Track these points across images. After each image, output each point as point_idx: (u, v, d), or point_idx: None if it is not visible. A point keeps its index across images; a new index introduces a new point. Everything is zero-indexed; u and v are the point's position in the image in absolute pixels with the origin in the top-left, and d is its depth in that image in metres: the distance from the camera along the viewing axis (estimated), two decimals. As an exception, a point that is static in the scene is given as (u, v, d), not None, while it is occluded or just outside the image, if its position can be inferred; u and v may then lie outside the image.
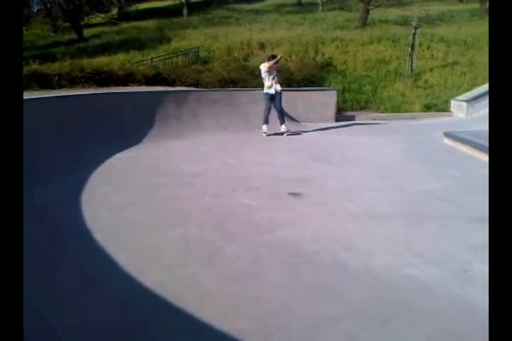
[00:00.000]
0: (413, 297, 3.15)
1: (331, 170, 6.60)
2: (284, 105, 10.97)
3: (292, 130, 9.61)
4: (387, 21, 23.97)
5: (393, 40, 19.30)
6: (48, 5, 26.01)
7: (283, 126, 9.41)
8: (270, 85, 9.37)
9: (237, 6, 31.64)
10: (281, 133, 9.44)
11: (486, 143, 7.56)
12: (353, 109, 13.47)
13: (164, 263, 3.53)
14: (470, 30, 21.55)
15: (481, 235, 4.21)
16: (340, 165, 6.91)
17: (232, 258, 3.65)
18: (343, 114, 12.68)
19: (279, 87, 9.44)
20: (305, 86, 13.53)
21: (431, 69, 16.51)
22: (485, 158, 7.20)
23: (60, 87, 10.38)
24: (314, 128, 10.56)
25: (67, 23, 24.94)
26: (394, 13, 24.79)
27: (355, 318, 2.87)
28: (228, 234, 4.16)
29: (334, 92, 12.03)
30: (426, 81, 15.57)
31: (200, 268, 3.47)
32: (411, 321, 2.86)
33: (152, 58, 15.65)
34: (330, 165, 6.94)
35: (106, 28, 25.66)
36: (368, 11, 23.42)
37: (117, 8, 28.43)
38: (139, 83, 11.81)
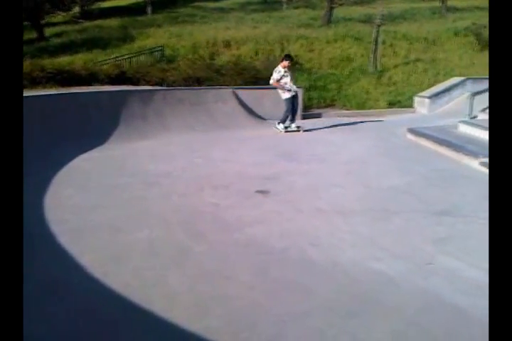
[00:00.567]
0: (379, 290, 3.21)
1: (298, 168, 6.64)
2: (250, 103, 11.03)
3: (299, 128, 9.86)
4: (350, 19, 24.30)
5: (357, 38, 19.58)
6: (7, 3, 25.16)
7: (294, 124, 9.75)
8: (289, 89, 9.49)
9: (202, 4, 31.46)
10: (297, 130, 9.78)
11: (448, 138, 7.78)
12: (319, 107, 13.59)
13: (131, 265, 3.48)
14: (431, 27, 22.08)
15: (443, 228, 4.34)
16: (308, 163, 6.96)
17: (200, 258, 3.63)
18: (309, 111, 12.79)
19: (295, 87, 9.62)
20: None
21: (394, 67, 16.83)
22: (446, 152, 7.40)
23: (20, 87, 10.08)
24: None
25: (27, 22, 24.26)
26: (357, 11, 25.17)
27: (323, 313, 2.90)
28: (196, 233, 4.14)
29: (300, 90, 12.09)
30: (390, 78, 15.87)
31: (168, 268, 3.44)
32: (377, 314, 2.91)
33: (116, 57, 15.41)
34: (297, 162, 6.99)
35: (68, 27, 25.08)
36: (331, 9, 23.67)
37: (79, 6, 27.84)
38: (103, 83, 11.60)
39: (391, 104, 13.79)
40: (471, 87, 13.43)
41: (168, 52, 17.84)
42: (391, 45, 19.00)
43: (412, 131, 8.88)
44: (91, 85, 11.13)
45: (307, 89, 13.93)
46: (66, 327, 2.70)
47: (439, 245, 3.94)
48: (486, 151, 6.74)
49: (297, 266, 3.55)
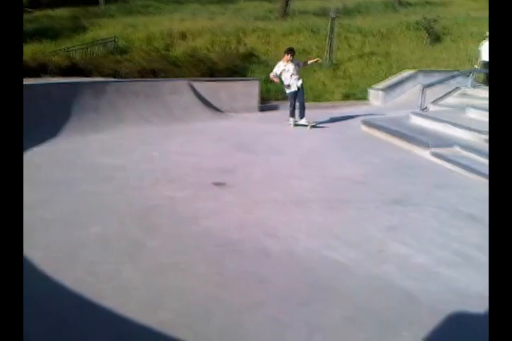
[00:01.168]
0: (333, 278, 3.27)
1: (255, 159, 6.65)
2: (207, 95, 10.93)
3: (311, 123, 9.31)
4: (306, 12, 24.40)
5: (313, 31, 19.70)
6: None
7: (304, 119, 9.23)
8: (288, 84, 9.22)
9: (156, -5, 30.82)
10: (305, 125, 9.26)
11: (400, 129, 7.97)
12: (276, 99, 13.62)
13: (83, 261, 3.40)
14: (384, 21, 22.48)
15: (394, 216, 4.46)
16: (264, 154, 6.98)
17: (154, 252, 3.58)
18: (266, 103, 12.80)
19: (300, 83, 9.24)
20: (228, 76, 13.50)
21: (349, 59, 17.06)
22: (399, 143, 7.59)
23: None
24: (239, 118, 10.58)
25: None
26: (313, 3, 25.31)
27: (278, 302, 2.92)
28: (151, 227, 4.08)
29: (257, 82, 12.10)
30: (345, 71, 16.07)
31: (121, 263, 3.37)
32: (331, 301, 2.96)
33: (67, 48, 14.89)
34: (254, 154, 7.00)
35: (15, 16, 24.00)
36: (288, 2, 23.70)
37: (27, -6, 26.74)
38: (53, 74, 11.21)
39: (346, 97, 13.99)
40: (422, 79, 13.78)
41: (121, 43, 17.39)
42: (346, 38, 19.23)
43: (366, 122, 9.05)
44: (40, 77, 10.73)
45: (265, 82, 13.95)
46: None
47: (390, 233, 4.05)
48: (436, 142, 6.96)
49: (253, 257, 3.57)
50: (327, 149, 7.44)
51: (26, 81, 9.16)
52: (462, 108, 8.92)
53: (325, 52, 16.63)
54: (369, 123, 8.93)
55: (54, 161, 6.23)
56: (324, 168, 6.23)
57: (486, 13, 18.31)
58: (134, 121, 8.88)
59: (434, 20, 20.04)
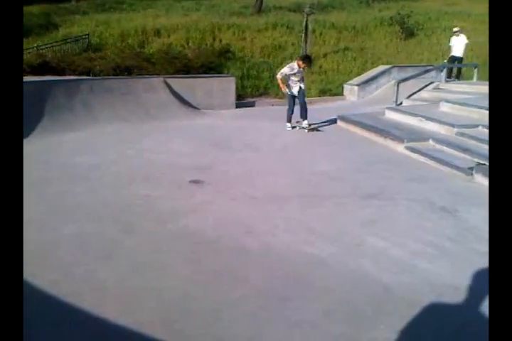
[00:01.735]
0: (311, 273, 3.29)
1: (231, 156, 6.64)
2: (182, 93, 10.85)
3: (311, 126, 8.76)
4: (281, 8, 24.45)
5: (288, 27, 19.76)
6: None
7: (305, 121, 8.59)
8: (291, 86, 8.59)
9: (129, -9, 30.43)
10: (304, 128, 8.67)
11: (375, 124, 8.04)
12: (252, 95, 13.63)
13: (58, 262, 3.34)
14: (359, 16, 22.68)
15: (371, 210, 4.50)
16: (241, 151, 6.97)
17: (131, 251, 3.55)
18: (243, 100, 12.80)
19: (303, 85, 8.64)
20: (204, 73, 13.44)
21: (324, 55, 17.17)
22: (374, 137, 7.67)
23: None
24: (215, 115, 10.55)
25: None
26: (287, -1, 25.35)
27: (256, 299, 2.93)
28: (127, 226, 4.04)
29: (233, 79, 12.07)
30: (320, 66, 16.17)
31: (98, 263, 3.33)
32: (310, 296, 2.98)
33: (38, 46, 14.61)
34: (231, 151, 6.98)
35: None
36: (262, -3, 23.68)
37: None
38: (25, 73, 10.99)
39: (322, 92, 14.08)
40: (396, 74, 13.97)
41: (94, 40, 17.18)
42: (321, 34, 19.35)
43: (341, 118, 9.12)
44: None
45: (240, 78, 13.93)
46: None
47: (367, 227, 4.09)
48: (411, 136, 7.06)
49: (231, 254, 3.56)
50: (303, 145, 7.47)
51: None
52: (436, 102, 9.06)
53: (300, 48, 16.69)
54: (345, 119, 9.01)
55: (27, 161, 6.07)
56: (301, 164, 6.26)
57: (459, 8, 18.67)
58: (108, 119, 8.78)
59: (408, 16, 20.30)
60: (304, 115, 8.54)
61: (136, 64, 13.00)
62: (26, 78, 10.01)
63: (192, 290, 3.01)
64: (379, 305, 2.90)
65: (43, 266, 3.28)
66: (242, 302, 2.87)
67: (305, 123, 8.55)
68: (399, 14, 20.45)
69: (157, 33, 18.37)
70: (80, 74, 11.75)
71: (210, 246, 3.68)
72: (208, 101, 11.23)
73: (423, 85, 12.56)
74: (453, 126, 6.96)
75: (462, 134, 6.68)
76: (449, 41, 13.72)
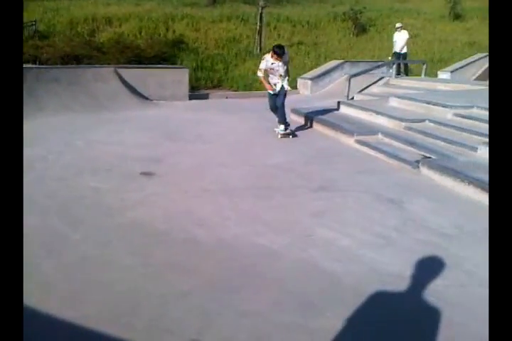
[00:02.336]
0: (261, 264, 3.31)
1: (184, 148, 6.57)
2: (134, 83, 10.60)
3: (288, 131, 7.60)
4: (236, 0, 24.30)
5: (242, 19, 19.69)
6: None
7: (282, 126, 7.51)
8: (274, 83, 7.44)
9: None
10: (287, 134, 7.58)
11: (327, 118, 8.15)
12: (206, 88, 13.52)
13: (-1, 257, 3.21)
14: (313, 11, 22.87)
15: (321, 202, 4.57)
16: (194, 143, 6.91)
17: (77, 245, 3.45)
18: (196, 92, 12.68)
19: (285, 82, 7.45)
20: (157, 63, 13.21)
21: (278, 49, 17.20)
22: (326, 131, 7.78)
23: None
24: (167, 107, 10.39)
25: None
26: (242, -9, 25.22)
27: (206, 290, 2.92)
28: (73, 219, 3.92)
29: (186, 70, 11.92)
30: (274, 60, 16.20)
31: (41, 257, 3.22)
32: (260, 287, 3.00)
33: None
34: (183, 143, 6.91)
35: None
36: (217, -11, 23.47)
37: None
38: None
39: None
40: (349, 69, 14.22)
41: (42, 27, 16.51)
42: (275, 28, 19.40)
43: (294, 111, 9.19)
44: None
45: (194, 70, 13.78)
46: None
47: (317, 218, 4.16)
48: (361, 129, 7.21)
49: (181, 247, 3.53)
50: (256, 137, 7.48)
51: None
52: (385, 97, 9.28)
53: (254, 41, 16.68)
54: (297, 112, 9.08)
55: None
56: (253, 157, 6.27)
57: (410, 5, 19.11)
58: (55, 109, 8.46)
59: (361, 12, 20.66)
60: (281, 118, 7.49)
61: (85, 53, 12.61)
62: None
63: (140, 283, 2.97)
64: (327, 294, 2.96)
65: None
66: (191, 295, 2.86)
67: (281, 128, 7.51)
68: (352, 10, 20.78)
69: (108, 21, 17.86)
70: (25, 63, 11.26)
71: (160, 239, 3.63)
72: (161, 92, 11.05)
73: (374, 80, 12.85)
74: (401, 120, 7.16)
75: (409, 128, 6.88)
76: (393, 37, 14.07)
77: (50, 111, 8.31)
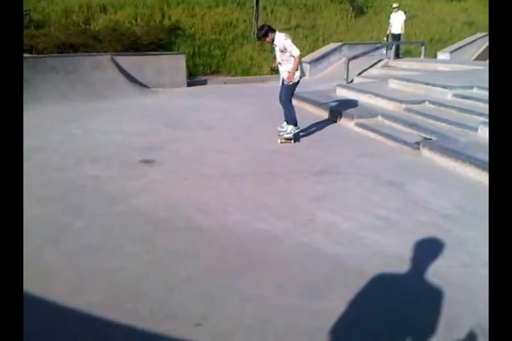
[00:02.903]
0: (264, 248, 3.32)
1: (183, 135, 6.54)
2: (131, 71, 10.50)
3: (290, 135, 6.16)
4: (231, -16, 23.94)
5: (239, 3, 19.39)
6: None
7: (290, 127, 6.16)
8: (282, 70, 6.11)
9: (72, -36, 28.95)
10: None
11: (326, 101, 8.10)
12: (204, 74, 13.42)
13: (2, 247, 3.22)
14: (309, -6, 22.53)
15: (322, 186, 4.57)
16: (193, 130, 6.88)
17: (79, 233, 3.46)
18: (194, 78, 12.59)
19: (284, 73, 6.07)
20: (153, 50, 13.05)
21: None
22: (325, 114, 7.74)
23: None
24: (166, 94, 10.34)
25: None
26: (238, -25, 24.84)
27: (209, 276, 2.93)
28: (75, 208, 3.92)
29: (183, 56, 11.82)
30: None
31: (44, 246, 3.23)
32: (262, 271, 3.01)
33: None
34: (183, 130, 6.88)
35: None
36: (212, -27, 23.10)
37: None
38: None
39: (274, 70, 13.99)
40: (347, 52, 14.09)
41: (36, 17, 16.27)
42: (272, 11, 19.12)
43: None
44: None
45: (191, 56, 13.66)
46: None
47: (318, 202, 4.16)
48: (361, 112, 7.16)
49: (183, 234, 3.53)
50: (256, 123, 7.45)
51: None
52: (385, 79, 9.21)
53: (251, 26, 16.49)
54: (296, 96, 9.00)
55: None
56: (253, 142, 6.25)
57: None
58: (53, 99, 8.42)
59: (358, -7, 20.38)
60: (286, 117, 6.24)
61: (82, 41, 12.45)
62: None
63: (143, 270, 2.98)
64: (329, 276, 2.97)
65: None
66: (195, 280, 2.87)
67: (288, 129, 6.13)
68: (349, -8, 20.52)
69: (103, 9, 17.59)
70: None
71: (162, 226, 3.64)
72: (158, 79, 10.99)
73: (373, 63, 12.75)
74: (401, 102, 7.11)
75: (409, 110, 6.84)
76: (389, 18, 13.90)
77: (48, 100, 8.27)
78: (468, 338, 2.38)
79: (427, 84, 7.72)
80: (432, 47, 15.71)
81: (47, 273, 2.91)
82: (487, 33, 14.73)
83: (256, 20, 16.29)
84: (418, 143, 5.62)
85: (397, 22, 13.27)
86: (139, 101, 9.14)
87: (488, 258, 3.16)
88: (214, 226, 3.67)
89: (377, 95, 7.78)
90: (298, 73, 5.98)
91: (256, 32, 6.49)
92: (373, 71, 12.27)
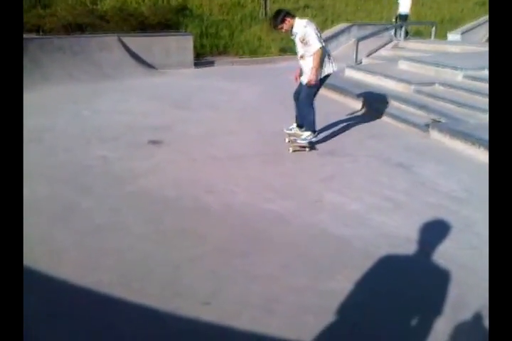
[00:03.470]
0: (271, 229, 3.33)
1: (191, 116, 6.52)
2: (139, 51, 10.40)
3: (305, 142, 5.02)
4: (240, -38, 23.53)
5: (247, -17, 19.10)
6: None
7: (306, 132, 4.97)
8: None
9: None
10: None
11: (335, 82, 8.01)
12: (212, 54, 13.29)
13: (12, 226, 3.25)
14: (319, -27, 22.10)
15: (329, 167, 4.55)
16: (201, 111, 6.85)
17: (88, 213, 3.48)
18: (202, 59, 12.48)
19: (304, 78, 5.04)
20: (161, 31, 12.93)
21: (285, 13, 16.76)
22: (334, 96, 7.66)
23: None
24: (173, 75, 10.27)
25: None
26: (246, -46, 24.39)
27: (217, 256, 2.95)
28: (84, 188, 3.95)
29: (191, 37, 11.70)
30: (280, 24, 15.82)
31: (53, 225, 3.26)
32: (269, 251, 3.03)
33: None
34: (190, 110, 6.85)
35: None
36: (220, -49, 22.69)
37: None
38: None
39: (283, 51, 13.86)
40: (356, 32, 13.88)
41: (43, -4, 16.14)
42: (281, -9, 18.83)
43: (302, 76, 9.03)
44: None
45: (199, 36, 13.52)
46: None
47: (326, 183, 4.15)
48: (370, 94, 7.08)
49: (191, 214, 3.55)
50: (264, 104, 7.40)
51: None
52: (394, 60, 9.08)
53: (259, 6, 16.26)
54: (305, 77, 8.92)
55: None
56: (261, 123, 6.22)
57: (417, -36, 18.03)
58: (61, 79, 8.40)
59: (368, -28, 19.96)
60: (302, 121, 5.10)
61: (89, 22, 12.33)
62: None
63: (151, 249, 3.01)
64: (336, 257, 2.98)
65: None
66: (202, 260, 2.89)
67: (306, 134, 4.93)
68: (359, -30, 20.08)
69: (110, -12, 17.41)
70: (28, 32, 11.06)
71: (170, 206, 3.66)
72: (166, 60, 10.90)
73: (382, 43, 12.55)
74: (410, 83, 7.02)
75: (419, 92, 6.75)
76: None
77: (56, 81, 8.25)
78: (474, 320, 2.39)
79: (437, 65, 7.60)
80: (442, 27, 15.41)
81: (56, 251, 2.94)
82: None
83: (264, 0, 16.05)
84: (427, 125, 5.56)
85: (405, 2, 13.00)
86: (147, 82, 9.10)
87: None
88: (221, 206, 3.68)
89: (386, 76, 7.68)
90: (325, 68, 4.87)
91: (270, 19, 5.23)
92: (383, 52, 12.09)
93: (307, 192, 3.97)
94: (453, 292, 2.57)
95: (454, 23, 16.96)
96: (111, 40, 10.20)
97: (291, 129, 5.18)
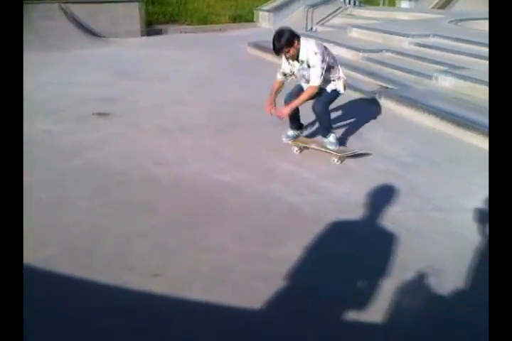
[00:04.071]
0: (222, 199, 3.32)
1: (140, 87, 6.33)
2: (83, 20, 9.92)
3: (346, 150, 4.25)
4: None
5: None
6: None
7: (329, 137, 4.11)
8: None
9: None
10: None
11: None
12: (160, 22, 12.83)
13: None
14: None
15: (280, 136, 4.53)
16: (150, 81, 6.66)
17: (31, 189, 3.33)
18: (150, 27, 12.03)
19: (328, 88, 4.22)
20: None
21: (235, -21, 16.32)
22: (278, 60, 7.59)
23: None
24: (121, 44, 9.89)
25: None
26: None
27: (168, 228, 2.92)
28: (27, 163, 3.71)
29: (138, 4, 11.21)
30: (230, -10, 15.42)
31: (-5, 203, 3.13)
32: (221, 221, 3.03)
33: None
34: (139, 81, 6.65)
35: None
36: None
37: None
38: None
39: (234, 19, 13.55)
40: (308, -1, 13.70)
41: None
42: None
43: (253, 45, 8.91)
44: None
45: (146, 3, 12.99)
46: None
47: (278, 152, 4.15)
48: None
49: (140, 186, 3.49)
50: (215, 73, 7.26)
51: None
52: (346, 28, 9.07)
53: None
54: (256, 46, 8.81)
55: None
56: (213, 93, 6.11)
57: None
58: None
59: None
60: (323, 125, 4.16)
61: (27, -13, 11.62)
62: None
63: (100, 223, 2.94)
64: (287, 224, 3.01)
65: None
66: (152, 233, 2.86)
67: (332, 137, 4.11)
68: None
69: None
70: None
71: (119, 179, 3.57)
72: (113, 28, 10.43)
73: (333, 11, 12.48)
74: (359, 51, 7.05)
75: (368, 59, 6.80)
76: None
77: (-7, 51, 7.76)
78: (418, 278, 2.49)
79: (386, 32, 7.65)
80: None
81: None
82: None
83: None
84: (375, 92, 5.62)
85: None
86: (93, 52, 8.72)
87: (440, 203, 3.28)
88: (171, 178, 3.63)
89: (337, 44, 7.66)
90: (341, 86, 4.26)
91: (273, 42, 3.93)
92: (334, 20, 12.03)
93: (260, 162, 3.96)
94: (400, 254, 2.66)
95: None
96: (52, 7, 9.65)
97: (288, 136, 4.29)
